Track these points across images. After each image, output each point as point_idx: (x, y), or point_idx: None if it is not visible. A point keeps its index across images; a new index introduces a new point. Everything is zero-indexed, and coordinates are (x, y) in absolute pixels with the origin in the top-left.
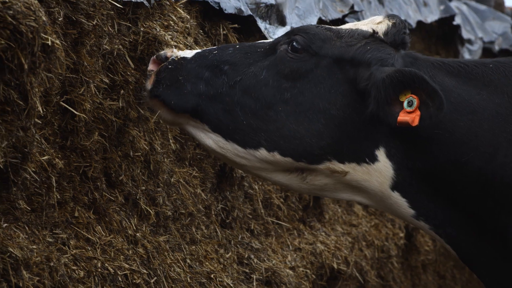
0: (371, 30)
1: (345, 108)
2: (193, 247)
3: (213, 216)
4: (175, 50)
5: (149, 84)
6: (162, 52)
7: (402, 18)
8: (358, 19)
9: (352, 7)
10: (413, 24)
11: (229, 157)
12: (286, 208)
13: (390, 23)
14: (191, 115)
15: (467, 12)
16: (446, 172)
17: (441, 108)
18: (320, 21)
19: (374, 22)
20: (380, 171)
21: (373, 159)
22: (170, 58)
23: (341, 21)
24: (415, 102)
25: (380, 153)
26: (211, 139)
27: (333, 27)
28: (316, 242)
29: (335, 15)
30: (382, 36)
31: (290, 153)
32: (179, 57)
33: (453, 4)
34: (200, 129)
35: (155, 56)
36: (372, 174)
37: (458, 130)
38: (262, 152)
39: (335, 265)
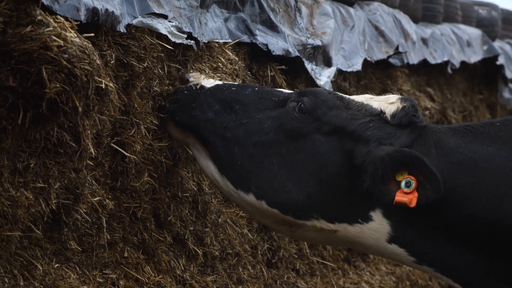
0: (379, 109)
1: (336, 176)
2: (240, 287)
3: (260, 256)
4: (202, 77)
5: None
6: (190, 73)
7: (446, 58)
8: (402, 60)
9: (397, 48)
10: (457, 65)
11: (224, 191)
12: (331, 248)
13: (400, 106)
14: (196, 136)
15: (511, 52)
16: (448, 224)
17: (439, 191)
18: (366, 62)
19: (387, 101)
20: (375, 229)
21: (367, 219)
22: (189, 84)
23: (386, 61)
24: (413, 183)
25: (376, 214)
26: (209, 168)
27: (346, 96)
28: (361, 282)
29: (380, 55)
30: (388, 117)
31: (277, 205)
32: (198, 85)
33: (496, 44)
34: (203, 155)
35: (182, 74)
36: (365, 232)
37: (459, 188)
38: (251, 198)
39: None
